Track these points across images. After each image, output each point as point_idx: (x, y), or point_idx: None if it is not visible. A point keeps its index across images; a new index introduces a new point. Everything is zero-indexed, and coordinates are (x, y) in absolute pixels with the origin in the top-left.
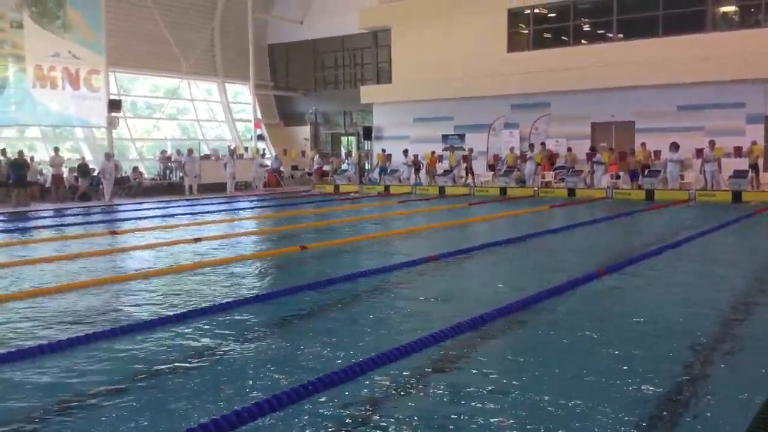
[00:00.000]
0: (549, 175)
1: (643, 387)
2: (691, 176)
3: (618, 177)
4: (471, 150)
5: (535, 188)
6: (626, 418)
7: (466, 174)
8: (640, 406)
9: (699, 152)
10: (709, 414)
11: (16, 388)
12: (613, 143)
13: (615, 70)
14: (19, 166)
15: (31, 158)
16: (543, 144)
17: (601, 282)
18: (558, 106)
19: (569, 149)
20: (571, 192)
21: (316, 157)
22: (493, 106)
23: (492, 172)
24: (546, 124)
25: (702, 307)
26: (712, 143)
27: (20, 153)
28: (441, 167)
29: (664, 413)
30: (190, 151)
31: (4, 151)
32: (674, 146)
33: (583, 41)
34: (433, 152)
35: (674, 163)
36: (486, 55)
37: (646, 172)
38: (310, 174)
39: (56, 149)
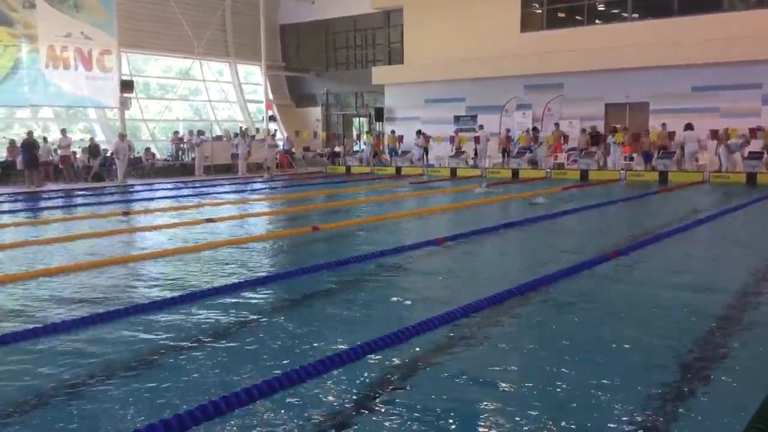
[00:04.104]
0: (561, 157)
1: (652, 374)
2: (706, 158)
3: (632, 158)
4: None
5: (548, 170)
6: (639, 407)
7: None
8: (651, 390)
9: (714, 134)
10: (717, 401)
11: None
12: (626, 124)
13: (629, 50)
14: (29, 146)
15: (44, 138)
16: (556, 125)
17: (614, 264)
18: (571, 86)
19: (583, 130)
20: (584, 174)
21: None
22: (506, 86)
23: (504, 155)
24: (559, 105)
25: (715, 290)
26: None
27: (29, 133)
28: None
29: (675, 392)
30: (200, 132)
31: (30, 134)
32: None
33: (597, 21)
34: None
35: (691, 144)
36: (499, 35)
37: (659, 153)
38: (322, 155)
39: (63, 131)
